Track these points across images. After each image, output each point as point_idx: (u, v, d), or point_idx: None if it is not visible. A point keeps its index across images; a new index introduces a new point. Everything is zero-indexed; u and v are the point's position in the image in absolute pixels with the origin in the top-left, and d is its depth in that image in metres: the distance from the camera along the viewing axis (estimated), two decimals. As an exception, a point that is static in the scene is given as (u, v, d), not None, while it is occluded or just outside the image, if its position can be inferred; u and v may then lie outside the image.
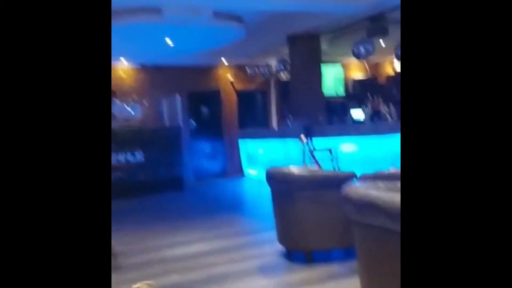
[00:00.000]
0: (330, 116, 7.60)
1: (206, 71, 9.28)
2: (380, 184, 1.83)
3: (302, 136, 5.24)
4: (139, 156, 7.23)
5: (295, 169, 3.28)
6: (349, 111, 8.16)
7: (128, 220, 5.23)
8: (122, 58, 8.44)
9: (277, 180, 3.35)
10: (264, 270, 3.19)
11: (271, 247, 3.57)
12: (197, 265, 3.36)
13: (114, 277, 2.11)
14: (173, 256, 3.64)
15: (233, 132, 9.23)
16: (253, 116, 9.69)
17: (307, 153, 5.28)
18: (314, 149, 5.42)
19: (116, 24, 5.15)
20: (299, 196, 3.15)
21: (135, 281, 2.21)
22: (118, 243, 4.09)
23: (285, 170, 3.29)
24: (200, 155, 9.14)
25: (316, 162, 5.08)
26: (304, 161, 5.43)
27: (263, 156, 7.72)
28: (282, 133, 7.24)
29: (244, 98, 9.66)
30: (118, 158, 7.06)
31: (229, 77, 9.50)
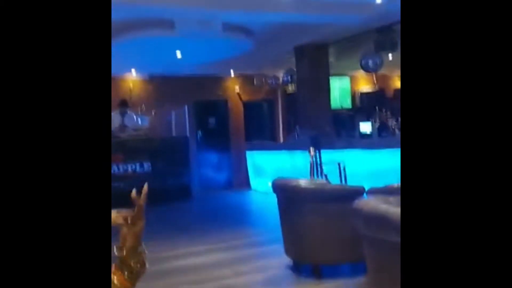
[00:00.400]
0: (338, 129, 7.59)
1: (214, 81, 9.34)
2: (390, 198, 1.84)
3: (311, 148, 5.24)
4: (147, 166, 7.27)
5: (302, 182, 3.29)
6: (356, 124, 8.15)
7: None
8: (132, 70, 8.53)
9: (284, 192, 3.34)
10: (271, 283, 3.18)
11: (278, 259, 3.55)
12: (204, 277, 3.35)
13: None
14: (181, 268, 3.64)
15: (240, 143, 9.24)
16: (259, 127, 9.71)
17: (315, 166, 5.28)
18: (320, 163, 5.41)
19: (128, 37, 5.22)
20: (306, 209, 3.14)
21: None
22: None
23: (293, 182, 3.29)
24: (207, 166, 9.15)
25: (324, 175, 5.07)
26: (311, 174, 5.42)
27: (270, 169, 7.71)
28: (289, 145, 7.24)
29: (251, 108, 9.69)
30: (126, 168, 7.09)
31: (236, 88, 9.55)
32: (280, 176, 3.64)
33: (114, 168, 6.99)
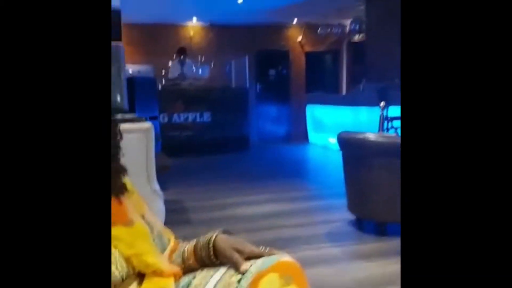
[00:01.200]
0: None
1: (275, 30, 9.02)
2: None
3: (382, 103, 4.93)
4: (206, 116, 7.31)
5: (370, 135, 3.09)
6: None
7: (197, 177, 5.34)
8: (194, 18, 8.43)
9: (351, 146, 3.16)
10: (332, 237, 3.08)
11: (340, 214, 3.43)
12: (264, 226, 3.32)
13: (185, 231, 2.28)
14: (241, 216, 3.64)
15: (300, 95, 8.99)
16: (321, 79, 9.35)
17: (384, 120, 4.98)
18: (389, 117, 5.09)
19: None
20: (374, 163, 2.96)
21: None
22: (188, 199, 4.20)
23: (360, 135, 3.09)
24: (266, 118, 9.07)
25: (394, 129, 4.77)
26: (381, 128, 5.13)
27: (330, 123, 7.46)
28: (352, 99, 6.89)
29: (313, 59, 9.32)
30: (187, 117, 7.18)
31: (298, 37, 9.17)
32: (341, 130, 3.45)
33: (175, 117, 7.10)
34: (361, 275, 2.43)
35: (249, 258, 0.86)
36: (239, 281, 0.82)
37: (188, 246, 0.95)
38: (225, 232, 0.94)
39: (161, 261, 0.85)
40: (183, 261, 0.93)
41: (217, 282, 0.85)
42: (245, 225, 3.36)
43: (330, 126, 7.44)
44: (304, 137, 8.54)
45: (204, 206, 3.96)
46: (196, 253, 0.92)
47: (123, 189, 0.88)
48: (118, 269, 0.76)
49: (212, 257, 0.89)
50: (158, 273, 0.83)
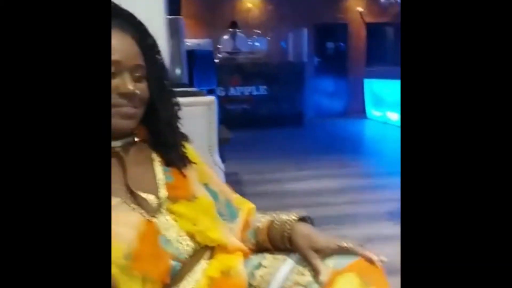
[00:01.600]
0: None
1: (335, 1, 8.69)
2: None
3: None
4: (262, 89, 7.28)
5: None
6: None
7: (252, 150, 5.38)
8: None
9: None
10: (392, 216, 2.99)
11: (398, 193, 3.31)
12: (317, 202, 3.29)
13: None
14: (296, 190, 3.63)
15: (359, 69, 8.68)
16: (383, 52, 8.94)
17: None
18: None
19: None
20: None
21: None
22: (244, 172, 4.25)
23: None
24: (322, 93, 8.88)
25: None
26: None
27: (390, 97, 7.16)
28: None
29: (374, 31, 8.91)
30: (243, 91, 7.20)
31: (359, 8, 8.78)
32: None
33: (231, 90, 7.14)
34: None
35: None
36: (313, 276, 0.79)
37: (261, 224, 0.91)
38: (303, 219, 0.89)
39: (226, 236, 0.83)
40: (256, 238, 0.91)
41: (290, 270, 0.81)
42: (300, 200, 3.35)
43: (389, 100, 7.15)
44: (362, 112, 8.28)
45: (260, 180, 3.98)
46: (270, 235, 0.88)
47: (184, 160, 0.87)
48: (181, 245, 0.76)
49: (288, 245, 0.85)
50: (223, 248, 0.81)
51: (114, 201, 0.72)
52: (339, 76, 8.96)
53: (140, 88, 0.78)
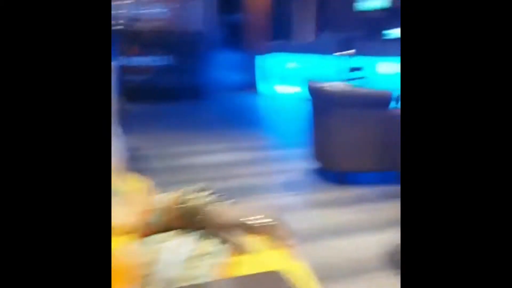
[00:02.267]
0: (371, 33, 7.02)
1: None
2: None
3: (344, 52, 4.89)
4: (163, 60, 7.02)
5: (336, 84, 3.10)
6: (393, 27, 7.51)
7: (152, 124, 5.18)
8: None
9: (317, 95, 3.15)
10: (291, 186, 3.12)
11: (301, 164, 3.47)
12: (223, 175, 3.30)
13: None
14: (198, 165, 3.59)
15: (261, 43, 8.76)
16: (286, 25, 9.11)
17: (346, 71, 4.98)
18: (350, 68, 5.10)
19: None
20: (338, 113, 2.98)
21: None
22: (148, 146, 4.07)
23: (326, 85, 3.08)
24: (222, 66, 8.82)
25: (356, 79, 4.79)
26: (342, 79, 5.14)
27: (294, 72, 7.40)
28: (316, 47, 6.81)
29: (279, 3, 9.02)
30: (142, 60, 6.86)
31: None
32: (305, 80, 3.43)
33: (129, 60, 6.75)
34: (317, 223, 2.49)
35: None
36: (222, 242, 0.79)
37: (164, 205, 0.89)
38: (208, 195, 0.89)
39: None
40: (160, 218, 0.88)
41: (196, 240, 0.81)
42: (205, 174, 3.32)
43: (293, 74, 7.41)
44: (254, 87, 8.44)
45: (164, 154, 3.86)
46: (176, 215, 0.87)
47: None
48: None
49: (195, 222, 0.85)
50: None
51: None
52: (239, 49, 8.96)
53: None
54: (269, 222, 0.84)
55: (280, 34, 8.65)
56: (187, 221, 0.85)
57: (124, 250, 0.77)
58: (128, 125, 4.54)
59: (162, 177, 3.11)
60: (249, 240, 0.81)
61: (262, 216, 0.85)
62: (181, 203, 0.86)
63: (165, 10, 7.72)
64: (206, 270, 0.76)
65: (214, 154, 3.91)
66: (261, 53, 8.18)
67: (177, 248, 0.79)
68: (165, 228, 0.87)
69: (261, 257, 0.79)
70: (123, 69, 6.56)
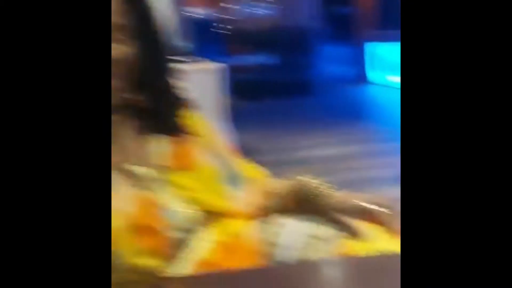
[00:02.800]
0: None
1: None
2: None
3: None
4: (270, 58, 7.19)
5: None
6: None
7: (262, 120, 5.34)
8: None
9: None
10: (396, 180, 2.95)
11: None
12: (334, 167, 3.27)
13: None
14: (311, 157, 3.62)
15: (370, 33, 8.46)
16: (395, 13, 8.67)
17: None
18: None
19: None
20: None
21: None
22: (256, 141, 4.22)
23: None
24: (330, 60, 8.72)
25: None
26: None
27: (392, 60, 7.03)
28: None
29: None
30: (250, 59, 7.12)
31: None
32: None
33: (238, 59, 7.06)
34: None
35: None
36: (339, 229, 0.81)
37: (280, 190, 0.91)
38: (324, 183, 0.90)
39: (231, 202, 0.81)
40: (275, 204, 0.90)
41: (310, 226, 0.81)
42: (317, 167, 3.33)
43: (390, 65, 7.05)
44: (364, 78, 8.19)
45: (275, 148, 3.96)
46: (291, 200, 0.89)
47: (183, 129, 0.83)
48: (184, 214, 0.75)
49: (312, 207, 0.86)
50: (229, 214, 0.80)
51: (112, 175, 0.69)
52: (347, 40, 8.76)
53: (121, 52, 0.72)
54: (385, 211, 0.82)
55: (389, 23, 8.25)
56: (305, 206, 0.87)
57: (245, 232, 0.80)
58: (239, 121, 4.78)
59: (275, 169, 3.19)
60: (365, 227, 0.80)
61: (378, 204, 0.84)
62: (299, 189, 0.88)
63: (271, 7, 7.90)
64: (323, 254, 0.76)
65: (325, 147, 3.91)
66: (371, 42, 7.93)
67: (294, 232, 0.81)
68: (282, 212, 0.89)
69: (376, 244, 0.77)
70: (233, 69, 6.89)
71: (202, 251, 0.76)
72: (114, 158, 0.70)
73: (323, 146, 3.92)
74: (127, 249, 0.69)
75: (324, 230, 0.81)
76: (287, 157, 3.65)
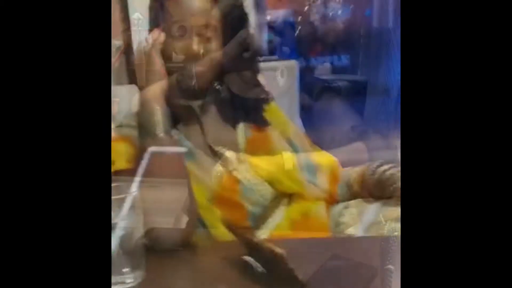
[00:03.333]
0: None
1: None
2: None
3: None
4: (344, 59, 7.08)
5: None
6: None
7: (333, 119, 5.28)
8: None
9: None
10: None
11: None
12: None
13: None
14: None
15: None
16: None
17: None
18: None
19: None
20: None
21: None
22: (326, 140, 4.19)
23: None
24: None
25: None
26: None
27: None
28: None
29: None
30: (323, 60, 7.06)
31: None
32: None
33: (311, 61, 7.05)
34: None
35: None
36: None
37: (353, 177, 0.94)
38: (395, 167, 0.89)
39: (304, 185, 0.88)
40: (348, 190, 0.94)
41: (380, 208, 0.84)
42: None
43: None
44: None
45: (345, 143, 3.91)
46: (365, 186, 0.91)
47: (264, 118, 0.92)
48: (261, 192, 0.83)
49: (386, 192, 0.86)
50: (301, 196, 0.86)
51: (198, 152, 0.80)
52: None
53: (209, 49, 0.81)
54: None
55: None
56: (375, 191, 0.88)
57: (317, 214, 0.86)
58: (308, 120, 4.79)
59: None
60: None
61: None
62: (370, 174, 0.90)
63: (346, 9, 7.81)
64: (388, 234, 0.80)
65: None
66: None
67: (361, 213, 0.85)
68: (352, 197, 0.93)
69: None
70: (305, 69, 6.91)
71: (274, 225, 0.83)
72: (198, 140, 0.81)
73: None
74: (210, 218, 0.78)
75: (391, 212, 0.82)
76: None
